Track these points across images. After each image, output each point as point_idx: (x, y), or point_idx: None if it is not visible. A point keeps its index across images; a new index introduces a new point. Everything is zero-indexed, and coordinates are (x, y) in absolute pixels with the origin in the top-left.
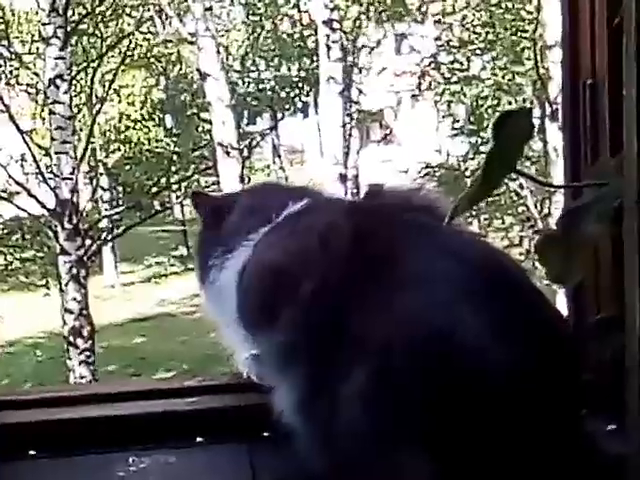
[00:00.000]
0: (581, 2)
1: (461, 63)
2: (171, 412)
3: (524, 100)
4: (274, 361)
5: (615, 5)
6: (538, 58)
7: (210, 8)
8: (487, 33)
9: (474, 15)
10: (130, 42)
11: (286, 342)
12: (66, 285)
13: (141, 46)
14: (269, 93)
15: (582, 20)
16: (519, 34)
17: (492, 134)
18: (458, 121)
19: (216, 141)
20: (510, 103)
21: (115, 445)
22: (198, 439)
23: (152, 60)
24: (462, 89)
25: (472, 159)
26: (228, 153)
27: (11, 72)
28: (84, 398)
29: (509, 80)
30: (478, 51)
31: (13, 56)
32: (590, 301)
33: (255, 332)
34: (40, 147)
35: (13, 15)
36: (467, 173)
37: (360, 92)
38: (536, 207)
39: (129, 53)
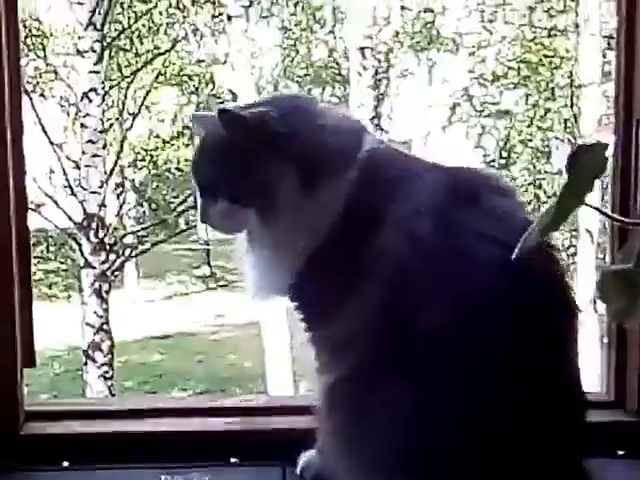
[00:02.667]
0: (638, 39)
1: (493, 96)
2: (207, 432)
3: (556, 138)
4: None
5: None
6: (574, 96)
7: (246, 30)
8: (520, 68)
9: (509, 49)
10: (165, 60)
11: None
12: (88, 298)
13: (174, 64)
14: None
15: (638, 56)
16: (554, 71)
17: (566, 167)
18: (488, 155)
19: None
20: (542, 139)
21: (148, 461)
22: (232, 459)
23: (184, 79)
24: (494, 123)
25: None
26: None
27: (45, 84)
28: (120, 413)
29: (541, 116)
30: (511, 85)
31: (48, 68)
32: None
33: None
34: (69, 160)
35: (50, 26)
36: None
37: (390, 119)
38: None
39: (163, 71)
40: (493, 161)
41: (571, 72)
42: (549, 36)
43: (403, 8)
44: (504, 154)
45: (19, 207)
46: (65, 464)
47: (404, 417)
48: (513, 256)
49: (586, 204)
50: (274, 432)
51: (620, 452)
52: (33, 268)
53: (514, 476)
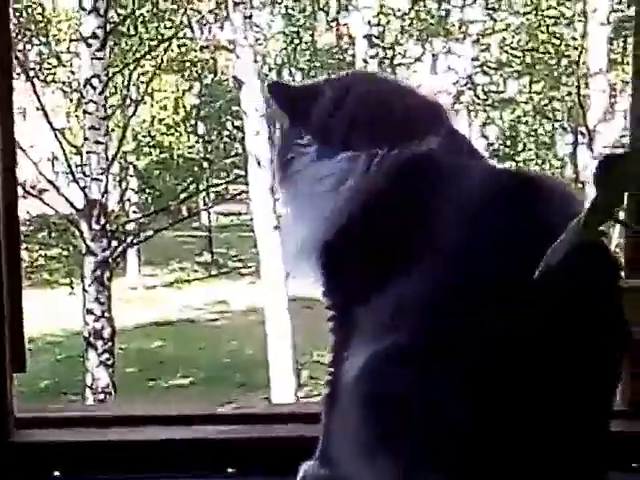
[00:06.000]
0: None
1: (497, 85)
2: (201, 440)
3: (562, 127)
4: None
5: None
6: (581, 84)
7: (250, 17)
8: (525, 56)
9: (513, 37)
10: (168, 46)
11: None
12: (89, 285)
13: (179, 51)
14: None
15: None
16: (559, 59)
17: (594, 179)
18: (492, 144)
19: (248, 150)
20: (544, 127)
21: (140, 471)
22: (229, 470)
23: (188, 65)
24: (500, 113)
25: None
26: (259, 163)
27: (49, 69)
28: (111, 420)
29: (544, 105)
30: (515, 74)
31: (51, 54)
32: None
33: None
34: (72, 145)
35: (54, 11)
36: None
37: None
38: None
39: (166, 57)
40: (497, 150)
41: (577, 61)
42: (555, 24)
43: None
44: (508, 143)
45: (8, 218)
46: (56, 473)
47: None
48: (536, 273)
49: (616, 219)
50: (272, 441)
51: (634, 465)
52: (34, 254)
53: None
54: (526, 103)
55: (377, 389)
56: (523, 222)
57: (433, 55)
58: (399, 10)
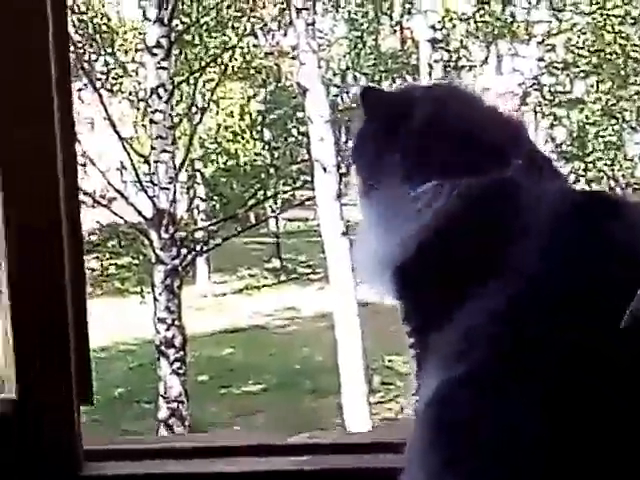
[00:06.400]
0: None
1: (564, 85)
2: (272, 472)
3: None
4: None
5: None
6: None
7: (313, 23)
8: (591, 56)
9: (579, 37)
10: (233, 54)
11: None
12: (160, 294)
13: (243, 58)
14: None
15: None
16: (626, 59)
17: None
18: (560, 145)
19: (314, 156)
20: (612, 128)
21: None
22: None
23: (252, 72)
24: (568, 113)
25: (574, 184)
26: (325, 169)
27: (115, 79)
28: (181, 452)
29: (612, 105)
30: (582, 74)
31: (117, 64)
32: None
33: None
34: (139, 155)
35: (119, 22)
36: None
37: None
38: None
39: (230, 64)
40: (565, 152)
41: None
42: (621, 24)
43: None
44: (576, 144)
45: (73, 248)
46: None
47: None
48: (622, 324)
49: None
50: (347, 472)
51: None
52: (105, 263)
53: None
54: (594, 103)
55: (447, 414)
56: (591, 237)
57: (498, 56)
58: (464, 14)
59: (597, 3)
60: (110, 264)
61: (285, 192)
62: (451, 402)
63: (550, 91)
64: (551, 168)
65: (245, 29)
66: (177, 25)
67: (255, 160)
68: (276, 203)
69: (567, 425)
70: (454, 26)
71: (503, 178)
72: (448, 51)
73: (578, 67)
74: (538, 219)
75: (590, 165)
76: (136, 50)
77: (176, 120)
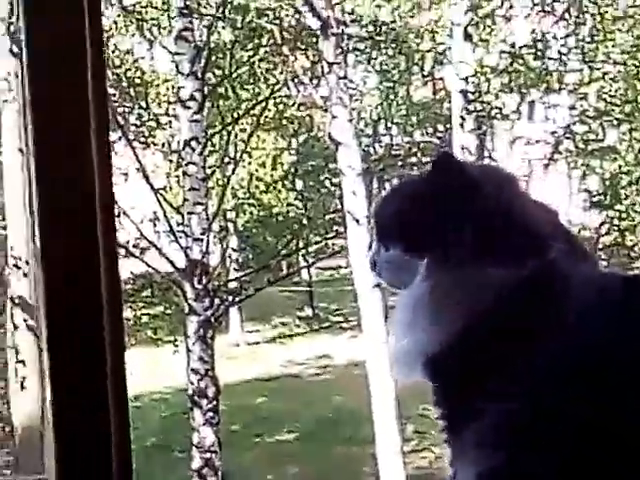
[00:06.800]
0: None
1: (597, 134)
2: None
3: None
4: None
5: None
6: None
7: (344, 77)
8: (624, 104)
9: (611, 86)
10: (266, 105)
11: None
12: (193, 344)
13: (275, 109)
14: (400, 160)
15: None
16: None
17: None
18: (593, 195)
19: (346, 208)
20: None
21: None
22: None
23: (285, 123)
24: (601, 162)
25: (607, 234)
26: (358, 221)
27: (148, 132)
28: None
29: None
30: (615, 121)
31: (150, 117)
32: None
33: None
34: (172, 206)
35: (154, 73)
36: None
37: (491, 160)
38: None
39: (263, 116)
40: (598, 202)
41: None
42: None
43: (502, 52)
44: (609, 192)
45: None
46: None
47: None
48: None
49: None
50: None
51: None
52: (138, 312)
53: None
54: (627, 151)
55: None
56: (629, 316)
57: (530, 102)
58: (498, 65)
59: (629, 53)
60: (143, 314)
61: (317, 242)
62: None
63: (583, 139)
64: (584, 251)
65: (277, 81)
66: (210, 78)
67: (288, 211)
68: (308, 253)
69: None
70: (487, 80)
71: (544, 267)
72: (481, 102)
73: (610, 115)
74: (578, 305)
75: (624, 214)
76: (169, 102)
77: (209, 172)
